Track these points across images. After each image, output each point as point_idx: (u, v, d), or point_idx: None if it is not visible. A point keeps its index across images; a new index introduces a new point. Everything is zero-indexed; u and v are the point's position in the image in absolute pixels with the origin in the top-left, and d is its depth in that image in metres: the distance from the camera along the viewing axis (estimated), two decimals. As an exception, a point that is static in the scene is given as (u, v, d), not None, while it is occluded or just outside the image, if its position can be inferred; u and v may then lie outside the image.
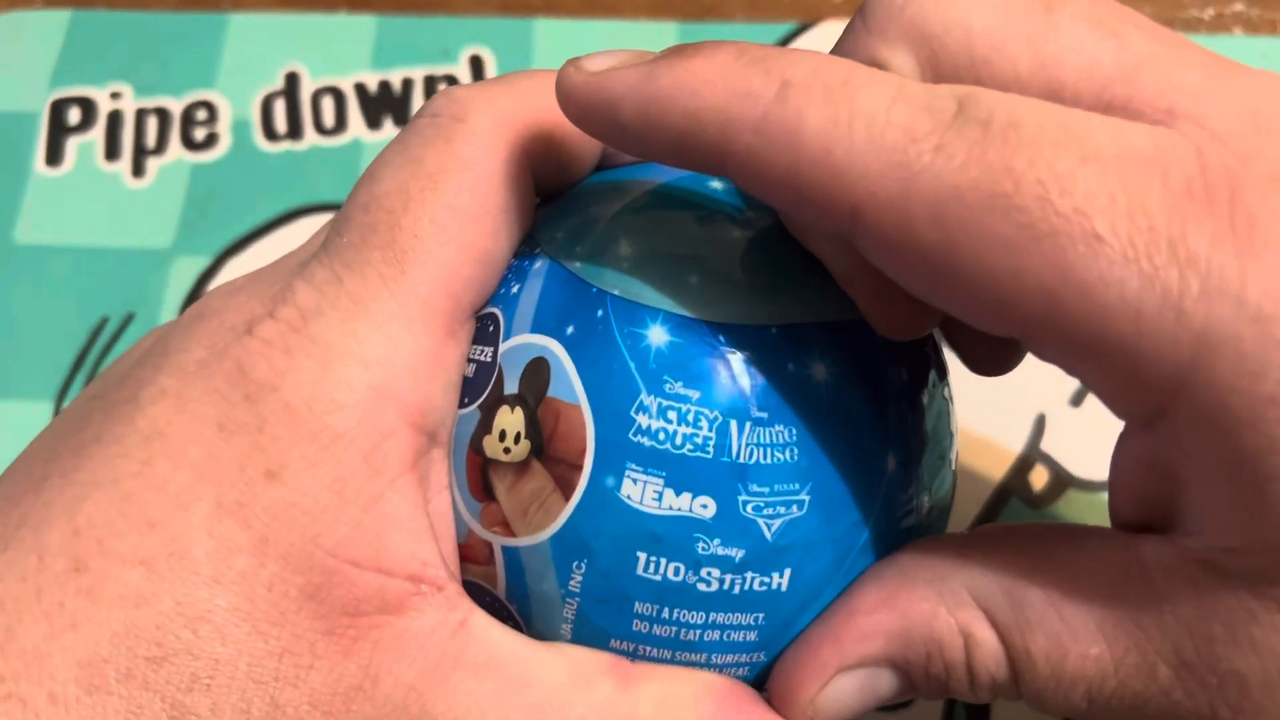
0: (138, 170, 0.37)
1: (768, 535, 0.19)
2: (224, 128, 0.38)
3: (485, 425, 0.19)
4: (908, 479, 0.20)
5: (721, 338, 0.19)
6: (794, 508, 0.19)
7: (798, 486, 0.19)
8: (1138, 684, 0.18)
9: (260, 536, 0.17)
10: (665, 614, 0.19)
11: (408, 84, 0.38)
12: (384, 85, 0.38)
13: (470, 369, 0.20)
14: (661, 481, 0.18)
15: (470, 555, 0.20)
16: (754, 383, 0.19)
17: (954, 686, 0.19)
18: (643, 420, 0.18)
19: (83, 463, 0.18)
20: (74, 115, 0.38)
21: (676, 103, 0.17)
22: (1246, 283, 0.15)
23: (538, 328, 0.19)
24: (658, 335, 0.19)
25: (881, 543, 0.20)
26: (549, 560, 0.19)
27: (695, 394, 0.18)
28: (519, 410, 0.19)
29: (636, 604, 0.19)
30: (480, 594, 0.20)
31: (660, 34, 0.39)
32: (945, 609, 0.19)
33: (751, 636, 0.19)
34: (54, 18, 0.40)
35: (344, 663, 0.17)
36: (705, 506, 0.18)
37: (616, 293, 0.19)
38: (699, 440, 0.18)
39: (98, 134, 0.38)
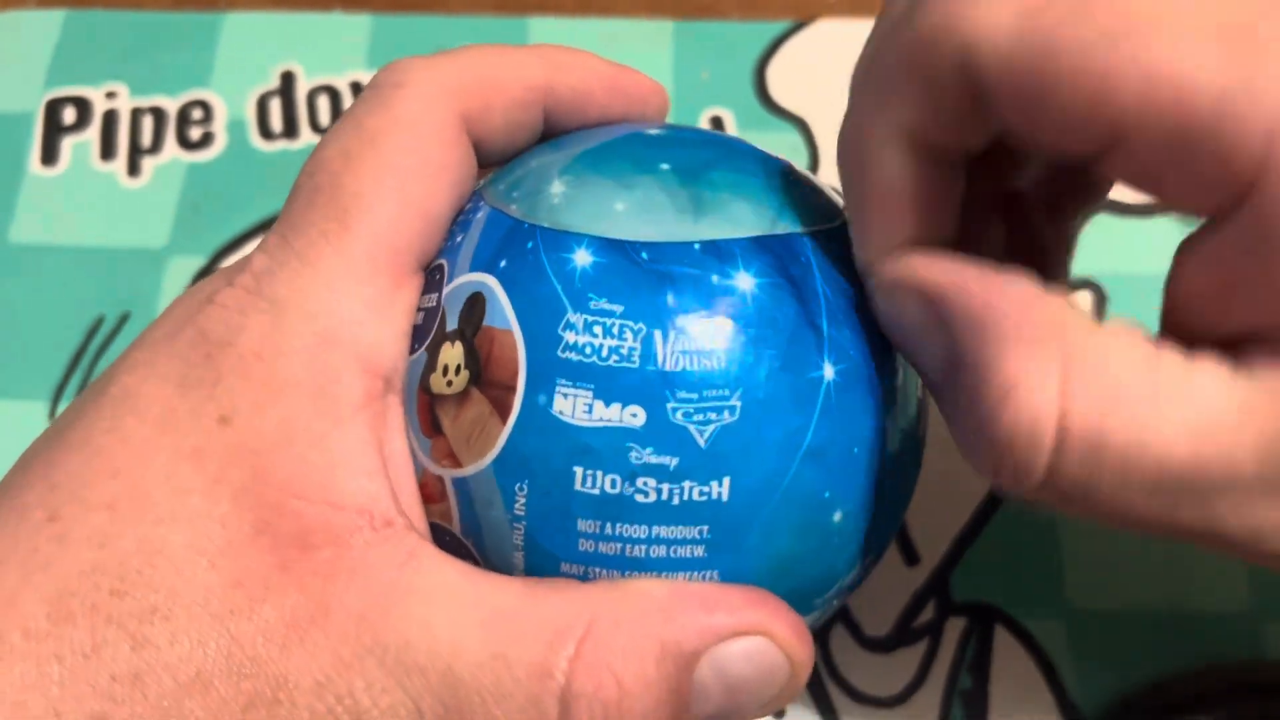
0: (133, 169, 0.37)
1: (700, 442, 0.19)
2: (219, 127, 0.38)
3: (431, 364, 0.20)
4: (850, 389, 0.20)
5: (644, 254, 0.19)
6: (725, 414, 0.19)
7: (727, 393, 0.19)
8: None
9: (214, 477, 0.18)
10: (609, 529, 0.19)
11: (403, 83, 0.38)
12: (379, 84, 0.38)
13: (419, 317, 0.21)
14: (590, 394, 0.19)
15: (427, 495, 0.20)
16: (678, 293, 0.19)
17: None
18: (570, 337, 0.19)
19: (62, 432, 0.19)
20: (69, 115, 0.38)
21: None
22: None
23: (475, 267, 0.20)
24: (583, 257, 0.20)
25: (830, 453, 0.20)
26: (494, 485, 0.19)
27: (619, 308, 0.19)
28: (458, 344, 0.20)
29: (579, 521, 0.19)
30: (441, 535, 0.20)
31: (655, 33, 0.39)
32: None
33: (699, 552, 0.19)
34: (48, 17, 0.40)
35: (295, 595, 0.18)
36: (635, 415, 0.19)
37: (546, 225, 0.20)
38: (624, 351, 0.19)
39: (93, 133, 0.38)
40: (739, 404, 0.19)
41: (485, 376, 0.19)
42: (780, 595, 0.20)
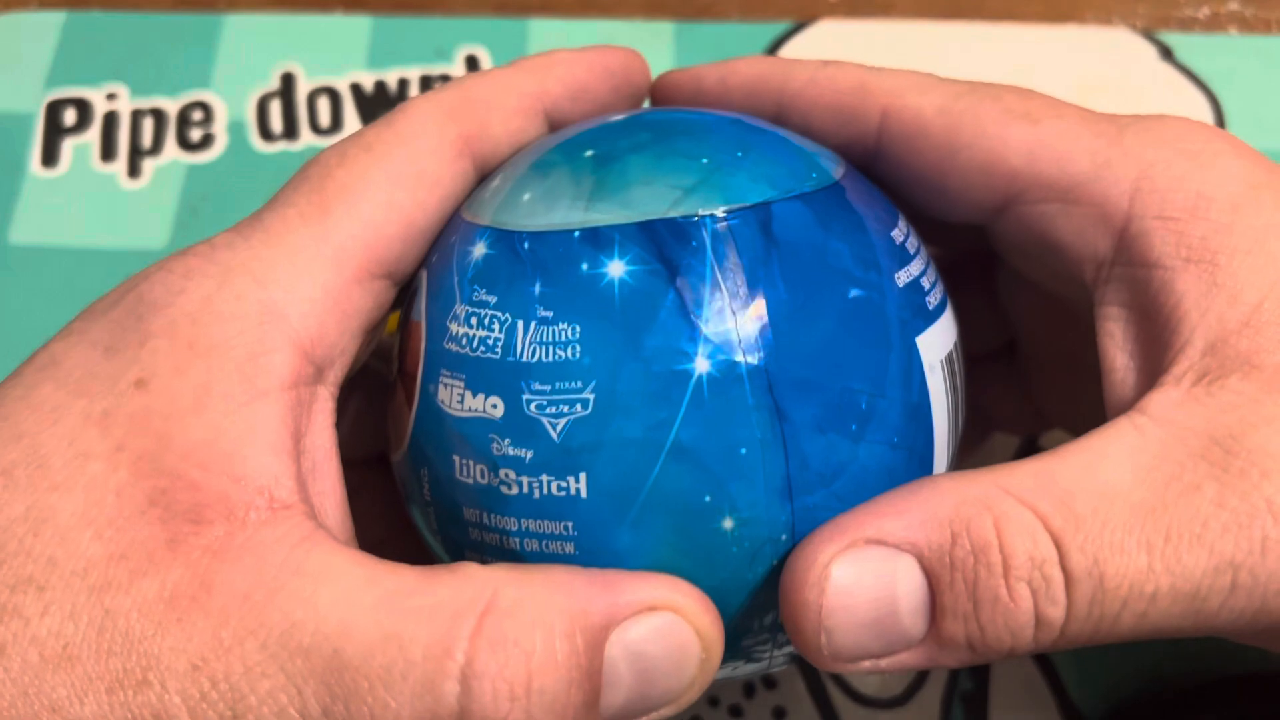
0: (133, 171, 0.37)
1: (554, 435, 0.18)
2: (220, 128, 0.38)
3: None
4: (736, 384, 0.18)
5: (526, 244, 0.19)
6: (578, 407, 0.18)
7: (580, 385, 0.18)
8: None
9: (117, 443, 0.18)
10: (486, 520, 0.19)
11: (403, 84, 0.38)
12: (380, 85, 0.38)
13: None
14: (462, 384, 0.19)
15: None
16: (544, 284, 0.19)
17: (983, 585, 0.18)
18: (454, 328, 0.19)
19: None
20: (69, 116, 0.38)
21: (747, 68, 0.24)
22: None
23: (426, 260, 0.21)
24: (479, 249, 0.20)
25: (705, 452, 0.18)
26: (410, 472, 0.20)
27: (494, 299, 0.19)
28: (397, 335, 0.21)
29: (464, 509, 0.19)
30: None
31: (655, 34, 0.39)
32: (973, 494, 0.18)
33: (569, 549, 0.19)
34: (49, 19, 0.40)
35: (178, 570, 0.17)
36: (495, 406, 0.19)
37: (466, 218, 0.21)
38: (490, 342, 0.19)
39: (93, 135, 0.38)
40: (592, 397, 0.18)
41: (403, 367, 0.20)
42: None
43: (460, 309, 0.19)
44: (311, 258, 0.19)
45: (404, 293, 0.22)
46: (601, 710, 0.18)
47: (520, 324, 0.19)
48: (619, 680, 0.18)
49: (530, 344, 0.19)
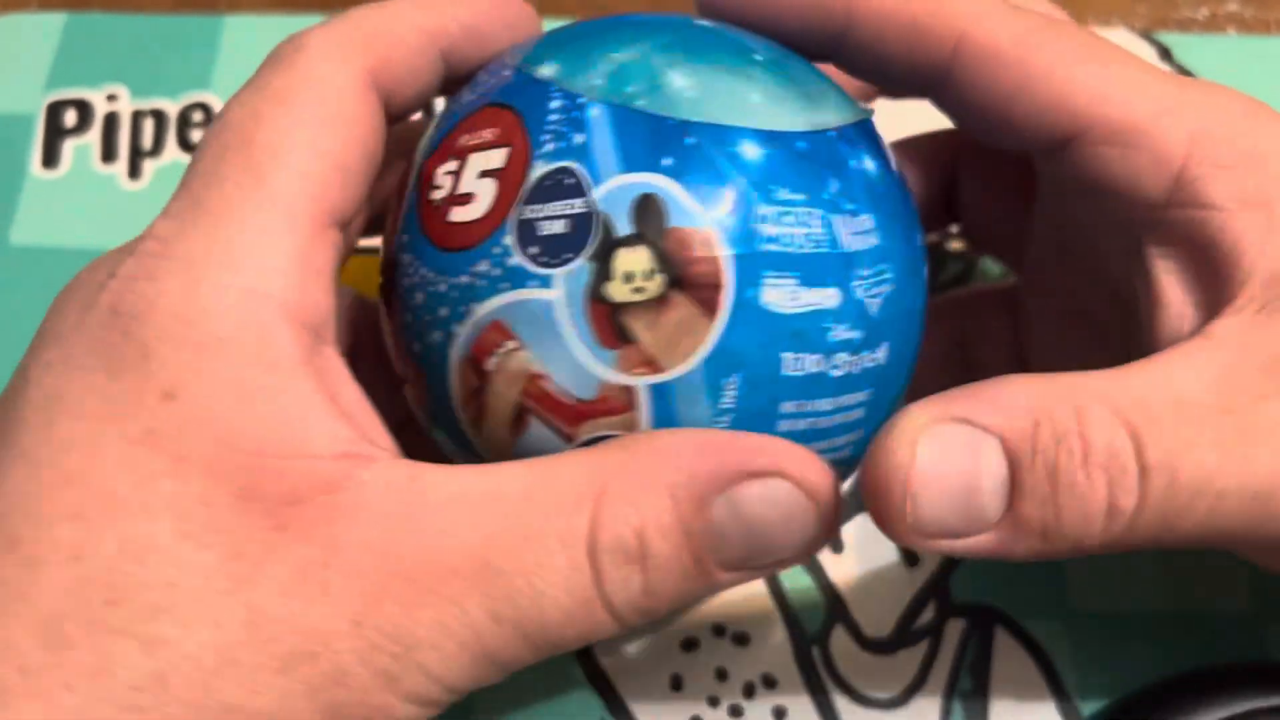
0: (134, 172, 0.37)
1: (873, 312, 0.21)
2: (220, 129, 0.38)
3: (604, 273, 0.19)
4: (924, 253, 0.23)
5: (800, 145, 0.20)
6: (887, 285, 0.21)
7: (885, 266, 0.21)
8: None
9: (177, 456, 0.17)
10: (805, 408, 0.20)
11: (404, 85, 0.38)
12: (380, 87, 0.38)
13: (557, 225, 0.20)
14: (795, 281, 0.20)
15: (603, 408, 0.20)
16: (840, 180, 0.21)
17: (1062, 469, 0.19)
18: (767, 229, 0.20)
19: None
20: (70, 117, 0.38)
21: None
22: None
23: (631, 167, 0.20)
24: (751, 150, 0.20)
25: (926, 313, 0.23)
26: (701, 384, 0.20)
27: (801, 196, 0.20)
28: (641, 249, 0.19)
29: (782, 404, 0.20)
30: None
31: (656, 35, 0.39)
32: (1055, 388, 0.19)
33: (859, 414, 0.21)
34: (49, 20, 0.40)
35: (301, 547, 0.17)
36: (831, 297, 0.20)
37: (697, 119, 0.20)
38: (817, 238, 0.20)
39: (94, 136, 0.38)
40: (891, 275, 0.21)
41: (686, 278, 0.19)
42: None
43: (767, 209, 0.20)
44: (267, 228, 0.19)
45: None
46: (717, 565, 0.19)
47: (836, 218, 0.20)
48: (729, 541, 0.19)
49: (849, 234, 0.20)
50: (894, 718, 0.28)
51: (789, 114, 0.21)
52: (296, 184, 0.19)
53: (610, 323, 0.19)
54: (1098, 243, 0.25)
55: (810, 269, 0.20)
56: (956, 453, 0.19)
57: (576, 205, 0.20)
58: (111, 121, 0.38)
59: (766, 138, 0.20)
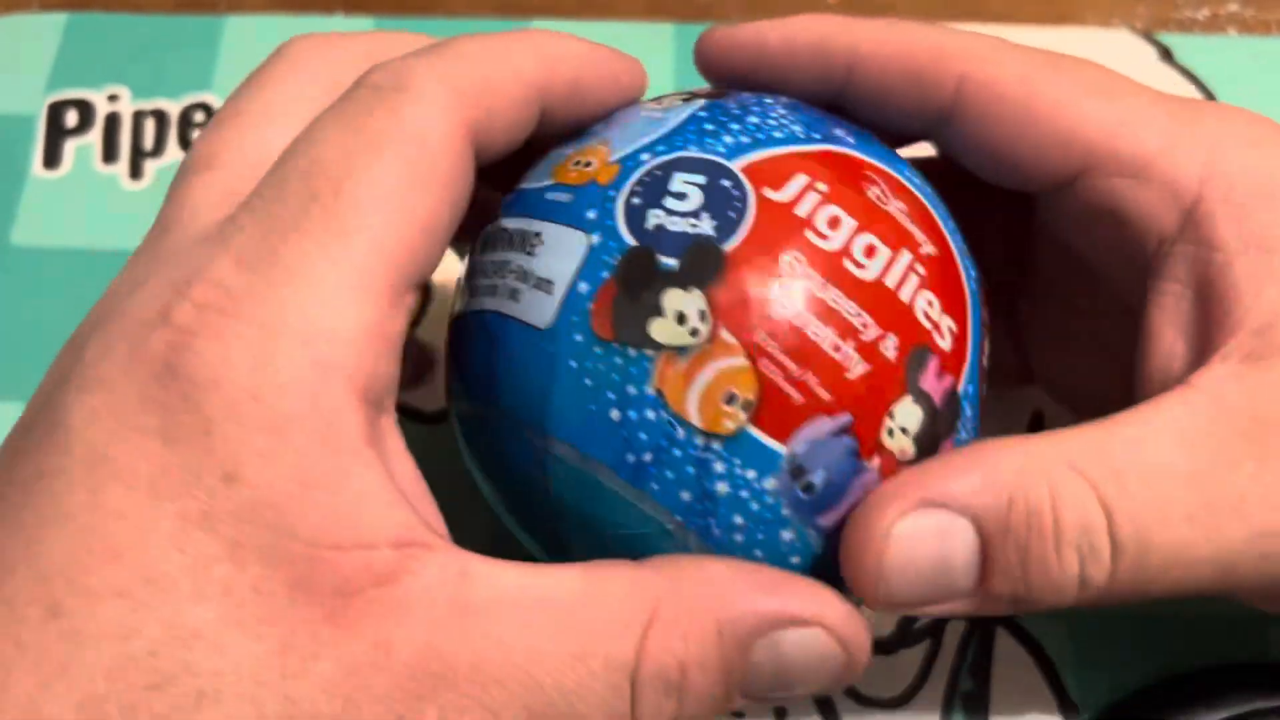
0: (135, 172, 0.37)
1: None
2: (221, 130, 0.38)
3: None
4: None
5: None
6: None
7: None
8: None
9: (233, 541, 0.17)
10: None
11: (404, 86, 0.38)
12: (381, 87, 0.38)
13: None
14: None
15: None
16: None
17: (1034, 549, 0.19)
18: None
19: (30, 500, 0.17)
20: (71, 118, 0.38)
21: (811, 25, 0.23)
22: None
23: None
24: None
25: None
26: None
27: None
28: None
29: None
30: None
31: (656, 35, 0.39)
32: (1032, 462, 0.19)
33: None
34: (51, 20, 0.40)
35: (351, 642, 0.17)
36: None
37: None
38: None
39: (95, 136, 0.38)
40: None
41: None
42: None
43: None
44: (344, 295, 0.18)
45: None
46: (742, 694, 0.19)
47: None
48: (761, 678, 0.19)
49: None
50: (895, 718, 0.28)
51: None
52: (381, 247, 0.18)
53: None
54: (1104, 269, 0.24)
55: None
56: (928, 538, 0.19)
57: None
58: (113, 122, 0.38)
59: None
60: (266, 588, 0.17)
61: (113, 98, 0.38)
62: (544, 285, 0.20)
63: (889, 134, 0.24)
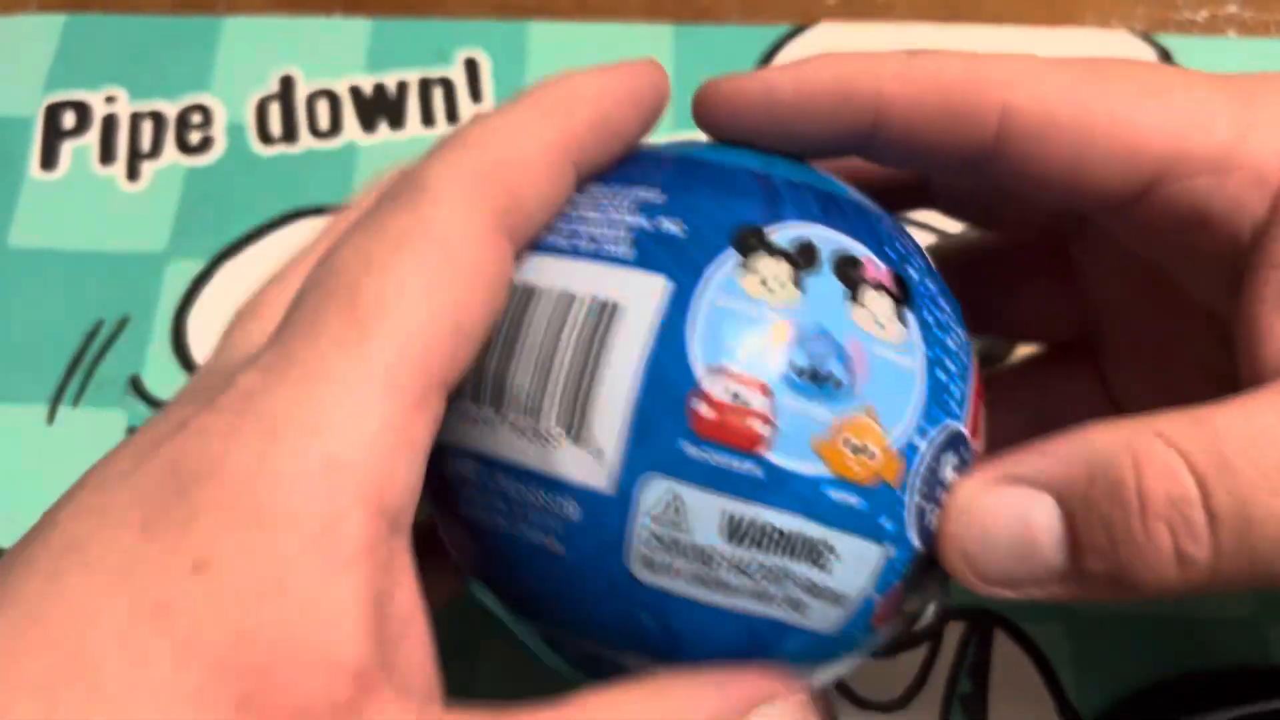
0: (132, 174, 0.37)
1: None
2: (219, 131, 0.38)
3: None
4: None
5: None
6: None
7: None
8: None
9: (182, 640, 0.15)
10: None
11: (403, 87, 0.38)
12: (379, 88, 0.38)
13: None
14: None
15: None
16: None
17: (1118, 523, 0.18)
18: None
19: None
20: (69, 119, 0.38)
21: (825, 69, 0.21)
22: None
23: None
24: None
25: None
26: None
27: None
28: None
29: None
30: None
31: (655, 37, 0.39)
32: (1119, 436, 0.19)
33: None
34: (48, 21, 0.40)
35: None
36: None
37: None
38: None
39: (92, 137, 0.38)
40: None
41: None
42: None
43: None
44: (362, 394, 0.17)
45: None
46: None
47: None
48: None
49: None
50: (892, 719, 0.28)
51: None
52: (403, 345, 0.17)
53: None
54: (1184, 281, 0.23)
55: None
56: (1009, 514, 0.19)
57: None
58: (110, 123, 0.38)
59: None
60: (209, 698, 0.15)
61: (110, 99, 0.38)
62: (836, 599, 0.19)
63: (925, 174, 0.24)
